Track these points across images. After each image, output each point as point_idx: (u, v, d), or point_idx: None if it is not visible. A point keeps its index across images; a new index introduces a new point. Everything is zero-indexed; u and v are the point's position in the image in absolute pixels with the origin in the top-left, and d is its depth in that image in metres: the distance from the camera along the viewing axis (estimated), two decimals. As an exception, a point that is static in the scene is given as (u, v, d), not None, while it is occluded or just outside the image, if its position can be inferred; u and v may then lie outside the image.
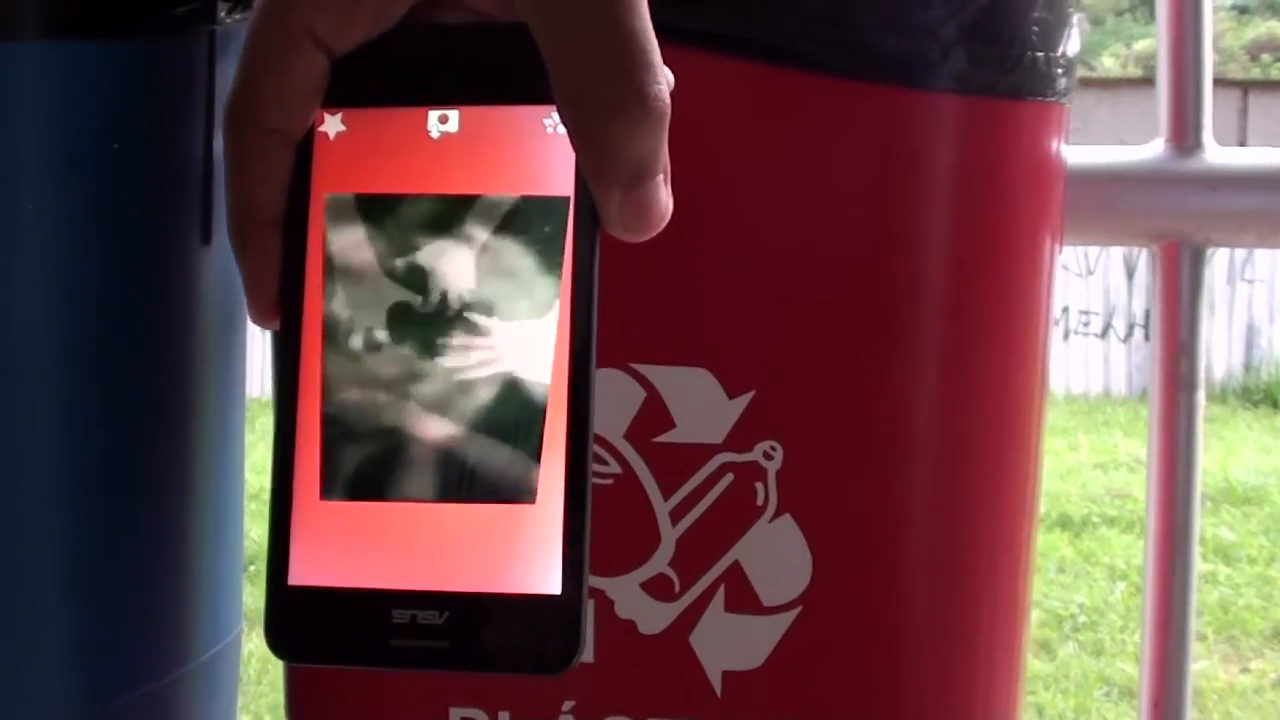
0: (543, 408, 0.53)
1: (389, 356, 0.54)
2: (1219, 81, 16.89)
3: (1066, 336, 13.65)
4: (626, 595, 1.02)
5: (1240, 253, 13.77)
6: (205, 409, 1.28)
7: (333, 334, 0.55)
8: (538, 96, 0.56)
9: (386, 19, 0.57)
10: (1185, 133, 1.40)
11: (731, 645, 1.03)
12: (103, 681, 1.19)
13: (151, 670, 1.24)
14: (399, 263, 0.55)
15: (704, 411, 1.00)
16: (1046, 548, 6.75)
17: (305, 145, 0.59)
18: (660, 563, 1.02)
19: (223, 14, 1.20)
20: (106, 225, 1.14)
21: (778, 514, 1.00)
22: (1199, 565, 5.28)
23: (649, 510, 1.01)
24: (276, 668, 3.85)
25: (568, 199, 0.55)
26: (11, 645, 1.13)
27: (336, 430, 0.55)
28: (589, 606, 0.55)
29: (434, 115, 0.57)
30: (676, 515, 1.01)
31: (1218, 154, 1.41)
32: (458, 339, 0.54)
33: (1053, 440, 9.25)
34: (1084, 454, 9.18)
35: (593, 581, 1.01)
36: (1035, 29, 0.99)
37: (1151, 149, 1.42)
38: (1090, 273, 13.59)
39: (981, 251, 1.01)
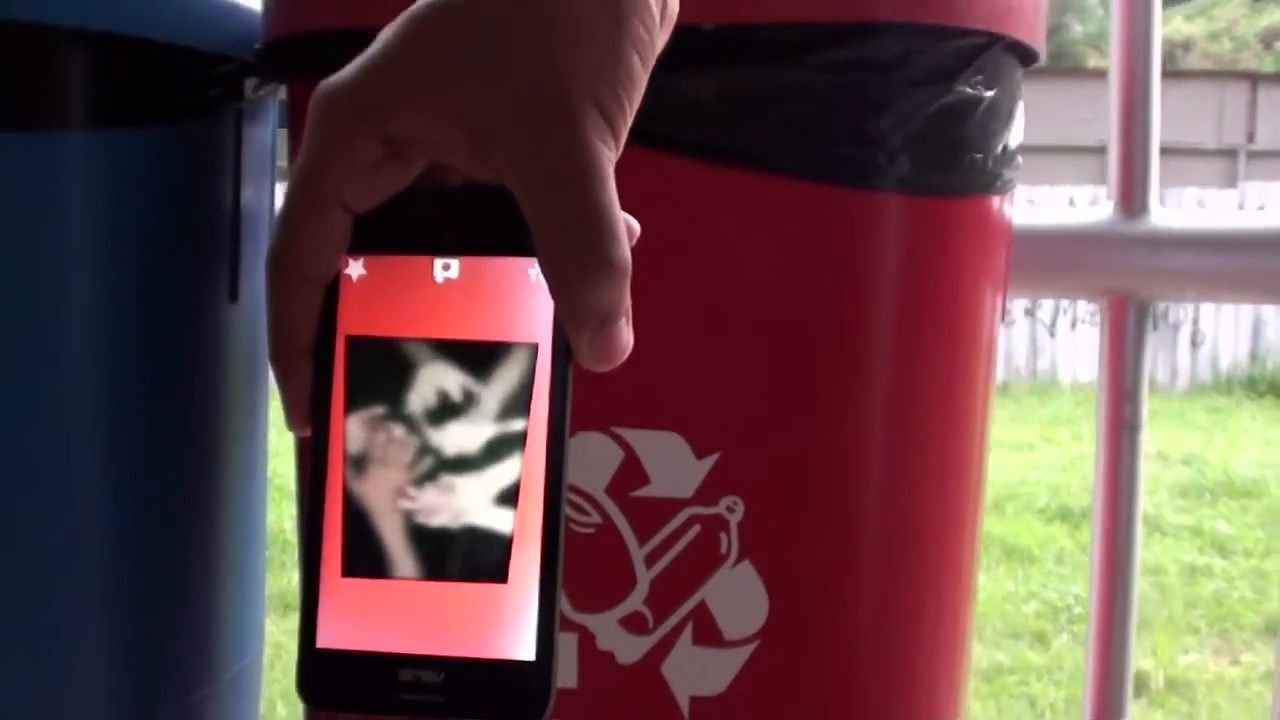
0: (512, 510, 0.66)
1: (394, 467, 0.67)
2: (1229, 74, 16.92)
3: (1074, 326, 13.64)
4: (606, 630, 1.15)
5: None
6: (233, 447, 1.42)
7: (351, 447, 0.68)
8: (523, 250, 0.67)
9: (399, 184, 0.69)
10: (1133, 197, 1.53)
11: (698, 674, 1.16)
12: (142, 694, 1.33)
13: (185, 684, 1.38)
14: (407, 390, 0.67)
15: (675, 470, 1.13)
16: (1046, 539, 6.74)
17: (333, 285, 0.69)
18: (636, 601, 1.15)
19: (249, 91, 1.33)
20: (146, 286, 1.28)
21: (739, 560, 1.14)
22: (1195, 559, 5.33)
23: (626, 556, 1.14)
24: (289, 654, 3.99)
25: (538, 343, 0.67)
26: (63, 660, 1.27)
27: (354, 523, 0.67)
28: (557, 669, 0.67)
29: (438, 263, 0.68)
30: (650, 560, 1.14)
31: (1162, 216, 1.53)
32: (449, 454, 0.67)
33: (1057, 430, 9.30)
34: (1087, 444, 9.18)
35: (576, 617, 1.14)
36: (976, 134, 1.12)
37: (1101, 211, 1.54)
38: None
39: (924, 330, 1.14)
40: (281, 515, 5.17)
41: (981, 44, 1.09)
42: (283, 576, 4.88)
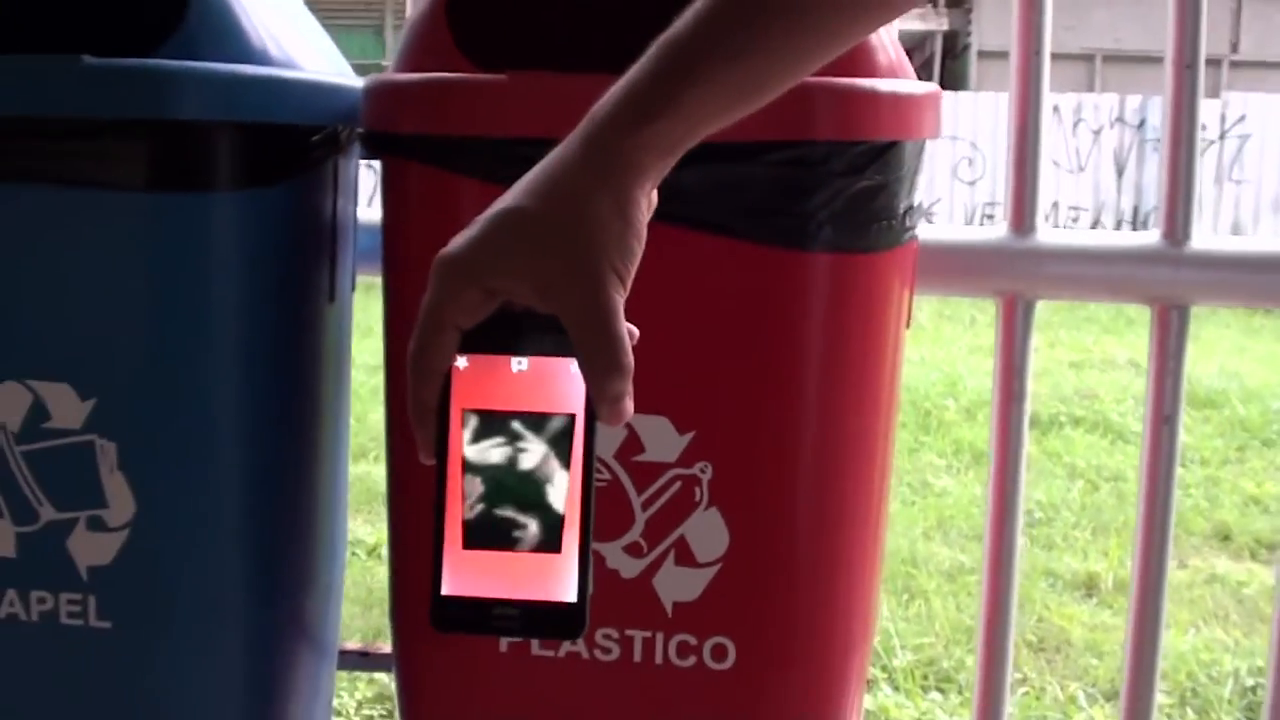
0: (562, 508, 1.00)
1: (491, 481, 1.01)
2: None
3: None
4: (613, 554, 1.62)
5: (1229, 153, 13.98)
6: (328, 413, 1.88)
7: (466, 469, 1.02)
8: (567, 354, 1.02)
9: (489, 312, 1.05)
10: (1023, 218, 1.96)
11: (679, 586, 1.62)
12: (270, 594, 1.79)
13: (295, 587, 1.85)
14: (498, 438, 1.02)
15: (663, 442, 1.59)
16: None
17: (448, 373, 1.05)
18: (634, 534, 1.61)
19: (342, 134, 1.76)
20: (273, 291, 1.73)
21: (709, 506, 1.60)
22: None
23: (627, 502, 1.60)
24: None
25: (576, 412, 1.03)
26: (217, 572, 1.73)
27: (465, 514, 1.02)
28: (589, 605, 1.00)
29: (514, 360, 1.02)
30: (645, 506, 1.60)
31: (1047, 235, 1.97)
32: (524, 471, 1.01)
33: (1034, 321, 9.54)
34: (1061, 352, 9.34)
35: (592, 545, 1.59)
36: (881, 207, 1.56)
37: (998, 230, 1.98)
38: (1080, 169, 13.73)
39: (846, 344, 1.59)
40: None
41: (883, 146, 1.53)
42: (356, 516, 5.22)
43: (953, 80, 18.22)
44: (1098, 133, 13.79)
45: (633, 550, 1.62)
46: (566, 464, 1.02)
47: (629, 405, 1.03)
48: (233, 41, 1.64)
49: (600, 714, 1.67)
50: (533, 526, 1.01)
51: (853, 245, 1.55)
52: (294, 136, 1.69)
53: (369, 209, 1.94)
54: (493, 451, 1.02)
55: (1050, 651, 4.53)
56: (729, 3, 1.06)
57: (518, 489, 1.02)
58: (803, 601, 1.65)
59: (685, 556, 1.61)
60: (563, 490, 1.01)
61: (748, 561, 1.61)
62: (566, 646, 1.64)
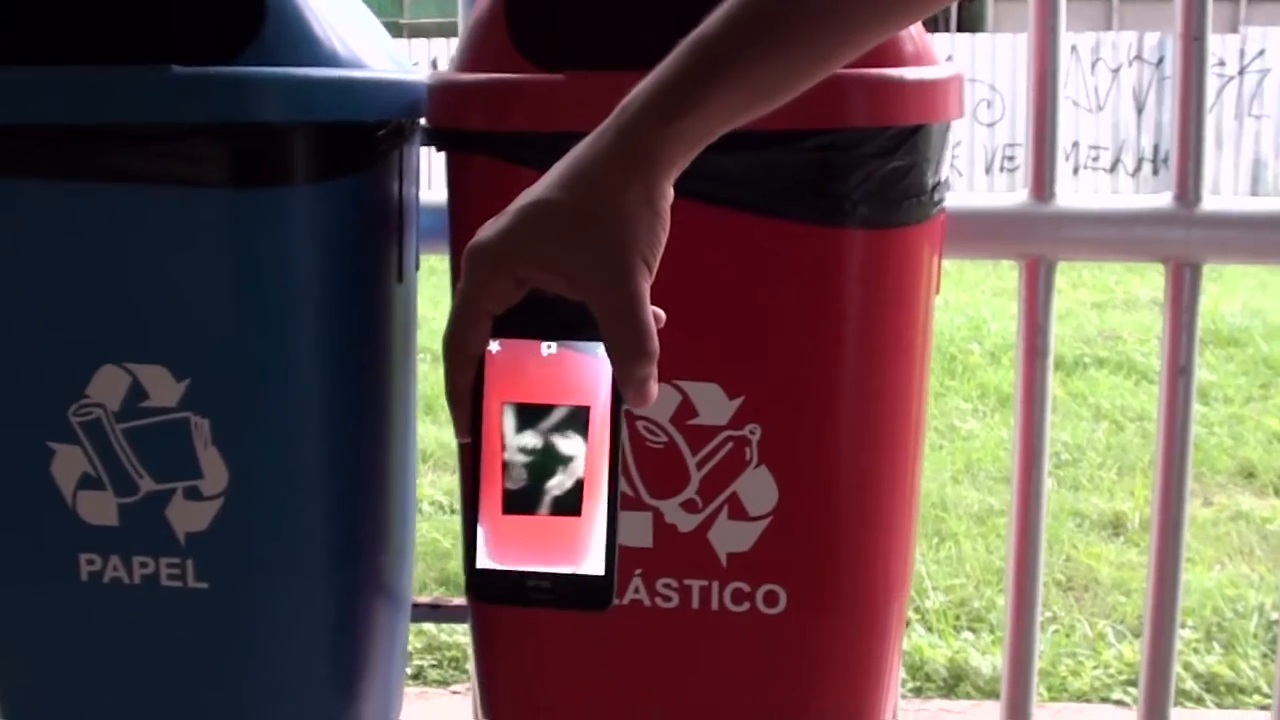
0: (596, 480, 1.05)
1: (524, 455, 1.05)
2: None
3: (1076, 171, 13.63)
4: (670, 510, 1.76)
5: (1248, 88, 13.97)
6: (396, 385, 2.02)
7: (503, 444, 1.06)
8: (594, 339, 1.03)
9: (518, 299, 1.05)
10: (1043, 185, 2.09)
11: (732, 538, 1.77)
12: (350, 554, 1.93)
13: (376, 546, 1.98)
14: (531, 417, 1.05)
15: (715, 407, 1.73)
16: None
17: (482, 357, 1.06)
18: (690, 491, 1.76)
19: (406, 126, 1.89)
20: (347, 274, 1.86)
21: (758, 465, 1.74)
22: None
23: (683, 462, 1.75)
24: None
25: (602, 398, 1.04)
26: (303, 535, 1.87)
27: (508, 486, 1.05)
28: (615, 579, 1.04)
29: (544, 345, 1.05)
30: (700, 465, 1.74)
31: (1066, 199, 2.09)
32: (553, 448, 1.05)
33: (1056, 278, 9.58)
34: (1084, 293, 9.28)
35: (651, 502, 1.74)
36: (910, 185, 1.69)
37: (1020, 195, 2.11)
38: (1100, 108, 13.64)
39: (880, 313, 1.73)
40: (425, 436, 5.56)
41: (911, 130, 1.66)
42: (424, 480, 5.33)
43: (971, 22, 18.22)
44: (1116, 71, 13.76)
45: (689, 506, 1.76)
46: (596, 441, 1.06)
47: (654, 389, 1.06)
48: (306, 46, 1.77)
49: (662, 658, 1.81)
50: (558, 495, 1.06)
51: (886, 221, 1.68)
52: (363, 131, 1.82)
53: (429, 191, 2.07)
54: (524, 430, 1.07)
55: (1078, 590, 4.63)
56: (758, 4, 1.10)
57: (547, 464, 1.07)
58: (847, 550, 1.78)
59: (738, 511, 1.75)
60: (583, 463, 1.06)
61: (795, 514, 1.75)
62: (630, 594, 1.79)
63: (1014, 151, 13.61)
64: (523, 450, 1.07)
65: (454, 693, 3.94)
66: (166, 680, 1.93)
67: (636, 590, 1.79)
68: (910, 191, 1.69)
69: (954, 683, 4.01)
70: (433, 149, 1.87)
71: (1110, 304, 8.99)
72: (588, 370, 1.06)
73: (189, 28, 1.76)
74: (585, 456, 1.06)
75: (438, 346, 1.10)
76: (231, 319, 1.80)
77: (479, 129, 1.72)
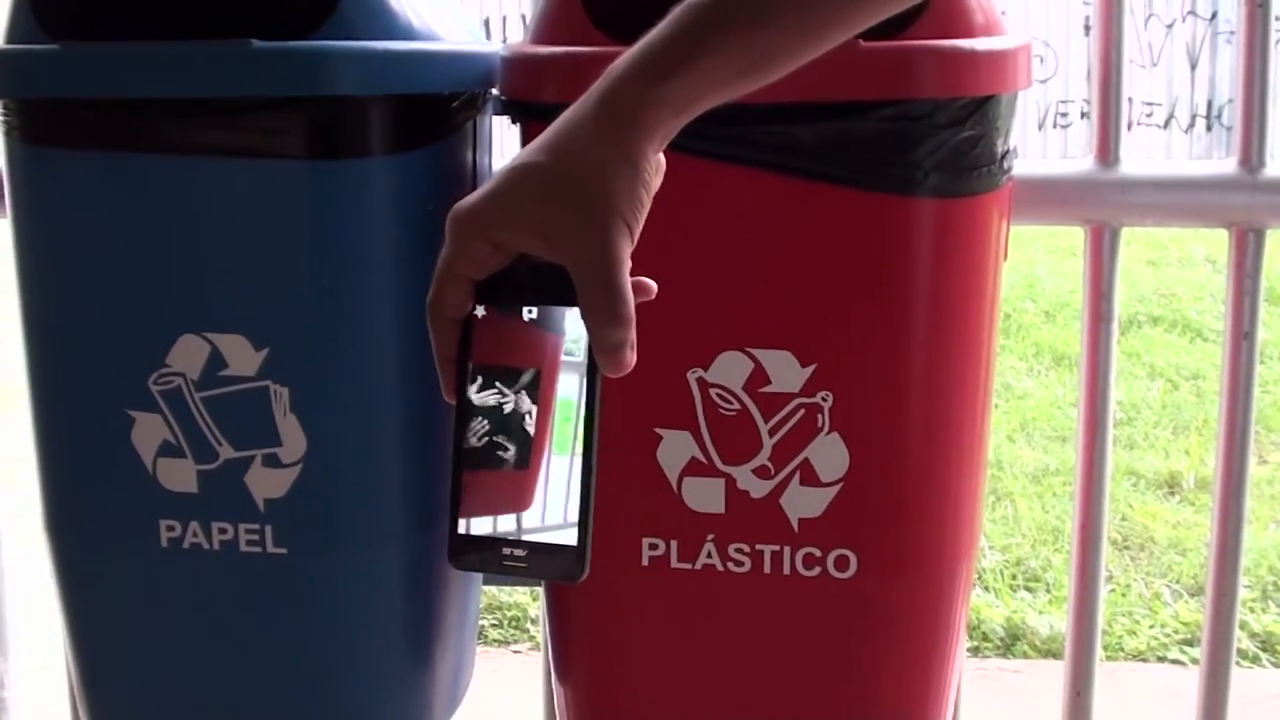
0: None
1: (484, 415, 1.07)
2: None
3: (1130, 127, 13.61)
4: (743, 476, 1.79)
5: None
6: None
7: (474, 407, 1.08)
8: (572, 302, 1.03)
9: (500, 265, 1.06)
10: (1108, 152, 2.10)
11: (804, 503, 1.79)
12: (425, 519, 1.96)
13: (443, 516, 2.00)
14: (505, 377, 1.07)
15: (787, 374, 1.75)
16: None
17: (466, 322, 1.08)
18: (763, 458, 1.78)
19: (479, 96, 1.91)
20: (421, 243, 1.88)
21: (830, 431, 1.76)
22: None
23: (756, 429, 1.77)
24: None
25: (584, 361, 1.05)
26: (379, 501, 1.90)
27: (469, 444, 1.08)
28: (589, 550, 1.05)
29: (525, 310, 1.07)
30: (772, 432, 1.77)
31: (1131, 166, 2.10)
32: (508, 409, 1.07)
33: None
34: (1138, 250, 9.13)
35: (724, 468, 1.76)
36: (980, 155, 1.70)
37: (1085, 163, 2.12)
38: (1153, 64, 13.51)
39: (948, 281, 1.74)
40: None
41: (981, 100, 1.67)
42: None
43: (1022, -23, 18.06)
44: (1170, 26, 13.62)
45: (761, 473, 1.78)
46: (573, 401, 1.08)
47: (629, 356, 1.05)
48: (381, 19, 1.79)
49: (734, 622, 1.84)
50: (509, 451, 1.08)
51: (956, 190, 1.70)
52: (438, 103, 1.85)
53: (501, 160, 2.09)
54: (489, 395, 1.09)
55: (1134, 549, 4.65)
56: None
57: (501, 422, 1.09)
58: (916, 514, 1.81)
59: (809, 477, 1.78)
60: (532, 421, 1.08)
61: (866, 480, 1.78)
62: (703, 559, 1.82)
63: (1066, 108, 13.51)
64: (482, 409, 1.09)
65: (515, 652, 4.00)
66: (244, 644, 1.97)
67: (710, 555, 1.81)
68: (980, 161, 1.70)
69: (1011, 642, 4.04)
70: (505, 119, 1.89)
71: (1164, 261, 8.95)
72: (551, 337, 1.08)
73: (270, 4, 1.78)
74: (534, 415, 1.08)
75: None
76: (309, 290, 1.83)
77: (555, 101, 1.74)
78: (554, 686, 2.05)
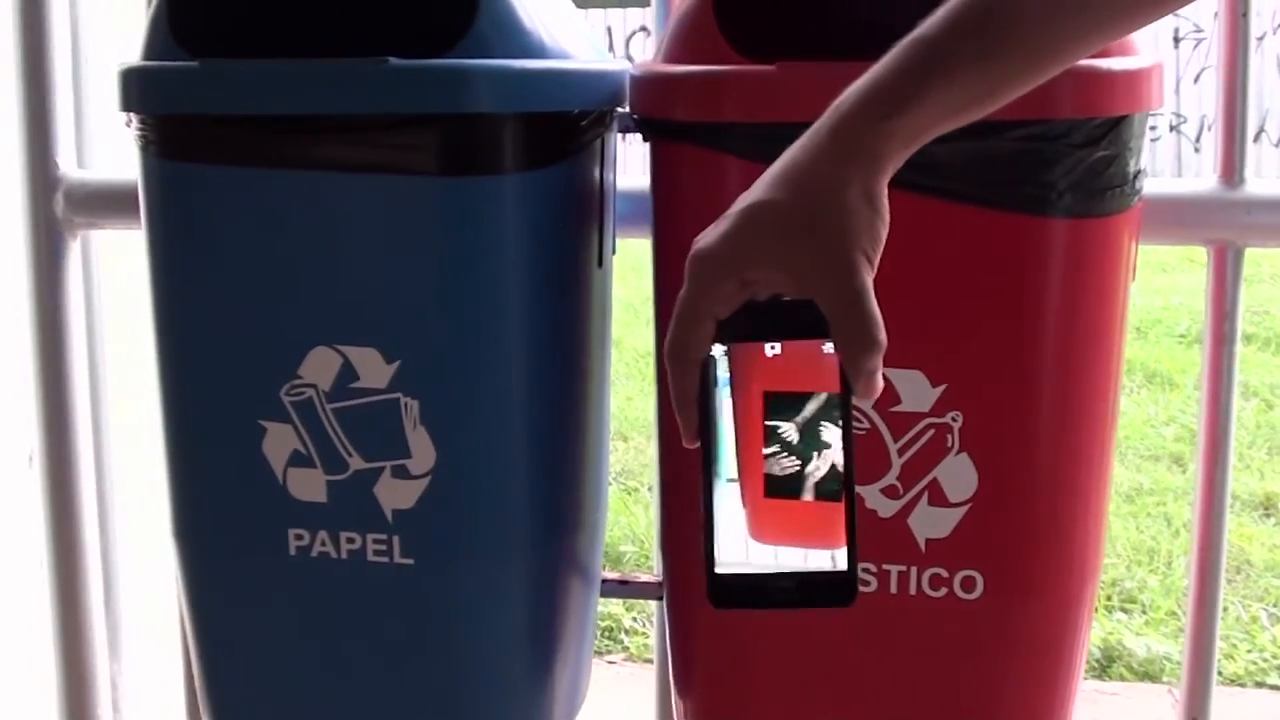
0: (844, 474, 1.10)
1: (786, 442, 1.10)
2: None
3: (1198, 138, 13.56)
4: (872, 496, 1.79)
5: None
6: (595, 364, 2.06)
7: (765, 432, 1.11)
8: (821, 335, 1.07)
9: (742, 301, 1.09)
10: (1233, 172, 2.08)
11: (932, 524, 1.79)
12: (549, 533, 1.98)
13: (572, 525, 2.03)
14: (782, 412, 1.10)
15: (918, 394, 1.75)
16: (1186, 364, 7.00)
17: (706, 362, 1.10)
18: (891, 477, 1.79)
19: (607, 115, 1.93)
20: (551, 260, 1.90)
21: (959, 451, 1.76)
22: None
23: (885, 449, 1.77)
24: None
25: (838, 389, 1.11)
26: (506, 514, 1.92)
27: (771, 472, 1.11)
28: (857, 573, 1.09)
29: (768, 346, 1.09)
30: (901, 452, 1.77)
31: (1256, 186, 2.09)
32: (814, 437, 1.10)
33: (1195, 251, 9.44)
34: None
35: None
36: (1115, 175, 1.70)
37: (1208, 182, 2.10)
38: None
39: (1079, 302, 1.74)
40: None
41: (1116, 120, 1.67)
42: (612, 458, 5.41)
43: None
44: (1260, 39, 13.54)
45: (889, 492, 1.78)
46: (838, 435, 1.11)
47: (880, 380, 1.10)
48: (515, 37, 1.81)
49: (859, 642, 1.84)
50: (818, 480, 1.10)
51: (1089, 210, 1.70)
52: (568, 120, 1.86)
53: (624, 177, 2.11)
54: (781, 418, 1.11)
55: (1230, 572, 4.58)
56: (979, 6, 1.11)
57: (806, 451, 1.10)
58: (1044, 536, 1.80)
59: (938, 497, 1.78)
60: (832, 460, 1.11)
61: (995, 501, 1.78)
62: (828, 579, 1.82)
63: (1155, 121, 13.38)
64: (784, 437, 1.10)
65: (609, 662, 4.01)
66: (368, 653, 1.99)
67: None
68: (1113, 181, 1.70)
69: (1107, 664, 4.01)
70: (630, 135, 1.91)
71: (1256, 278, 8.84)
72: (814, 365, 1.09)
73: (405, 21, 1.81)
74: (839, 444, 1.10)
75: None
76: (440, 304, 1.85)
77: (688, 119, 1.76)
78: (674, 701, 2.05)
